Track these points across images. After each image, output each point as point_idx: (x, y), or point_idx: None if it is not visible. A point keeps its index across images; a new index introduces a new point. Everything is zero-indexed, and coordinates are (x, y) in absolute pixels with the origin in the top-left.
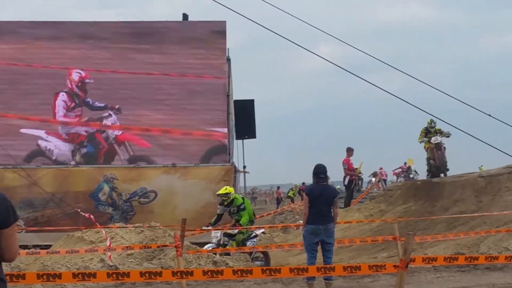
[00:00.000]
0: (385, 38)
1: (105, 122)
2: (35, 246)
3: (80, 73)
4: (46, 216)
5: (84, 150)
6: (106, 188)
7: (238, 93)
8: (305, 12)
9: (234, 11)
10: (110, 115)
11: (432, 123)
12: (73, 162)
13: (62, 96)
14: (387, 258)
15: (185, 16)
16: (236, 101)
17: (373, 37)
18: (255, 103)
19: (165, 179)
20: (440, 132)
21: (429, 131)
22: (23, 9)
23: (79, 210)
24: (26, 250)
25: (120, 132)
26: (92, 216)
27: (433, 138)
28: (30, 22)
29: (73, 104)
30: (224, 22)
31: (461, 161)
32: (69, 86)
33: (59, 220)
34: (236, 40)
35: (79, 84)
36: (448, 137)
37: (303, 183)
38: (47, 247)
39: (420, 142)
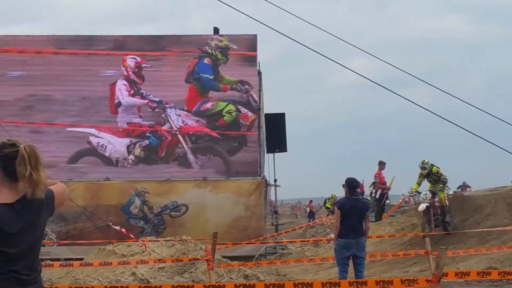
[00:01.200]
0: (420, 52)
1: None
2: (67, 259)
3: (135, 58)
4: (77, 229)
5: (145, 142)
6: (138, 201)
7: (270, 107)
8: (341, 26)
9: (267, 25)
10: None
11: (424, 168)
12: (131, 157)
13: (121, 84)
14: (419, 272)
15: (216, 30)
16: (267, 115)
17: (408, 51)
18: (286, 117)
19: (196, 193)
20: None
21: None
22: (64, 23)
23: (110, 223)
24: (60, 262)
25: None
26: (123, 230)
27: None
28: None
29: (132, 91)
30: (255, 36)
31: (494, 174)
32: (125, 73)
33: (90, 234)
34: (268, 53)
35: (136, 70)
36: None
37: (311, 201)
38: (79, 260)
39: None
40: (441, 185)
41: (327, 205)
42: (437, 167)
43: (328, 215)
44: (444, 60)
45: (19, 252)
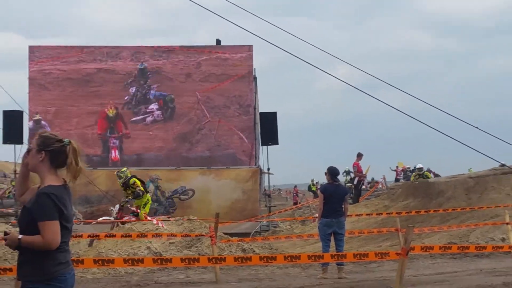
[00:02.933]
0: (393, 60)
1: None
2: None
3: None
4: (100, 210)
5: None
6: (152, 187)
7: (264, 106)
8: (329, 37)
9: (263, 38)
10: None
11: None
12: None
13: None
14: (390, 246)
15: (218, 41)
16: (261, 113)
17: (385, 59)
18: (278, 115)
19: (201, 179)
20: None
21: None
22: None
23: (128, 205)
24: (88, 233)
25: None
26: (139, 210)
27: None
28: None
29: None
30: (251, 46)
31: (454, 164)
32: None
33: (111, 214)
34: (264, 60)
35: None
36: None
37: (295, 186)
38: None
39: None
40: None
41: (313, 189)
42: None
43: (314, 198)
44: (415, 68)
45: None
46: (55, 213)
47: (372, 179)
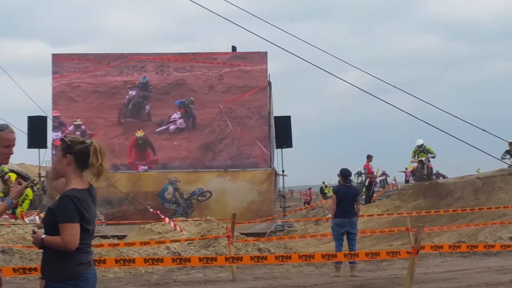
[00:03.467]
0: (402, 65)
1: None
2: (113, 236)
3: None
4: (121, 211)
5: None
6: (171, 188)
7: (278, 110)
8: (339, 44)
9: (276, 45)
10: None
11: (422, 146)
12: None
13: None
14: (401, 245)
15: (233, 48)
16: (276, 117)
17: (393, 63)
18: (292, 119)
19: (218, 181)
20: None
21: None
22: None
23: (148, 207)
24: (108, 242)
25: None
26: (158, 212)
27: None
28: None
29: None
30: (266, 52)
31: (462, 166)
32: None
33: (132, 215)
34: (278, 66)
35: None
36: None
37: (310, 188)
38: (123, 237)
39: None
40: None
41: (325, 191)
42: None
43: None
44: (422, 72)
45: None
46: (75, 216)
47: (381, 180)
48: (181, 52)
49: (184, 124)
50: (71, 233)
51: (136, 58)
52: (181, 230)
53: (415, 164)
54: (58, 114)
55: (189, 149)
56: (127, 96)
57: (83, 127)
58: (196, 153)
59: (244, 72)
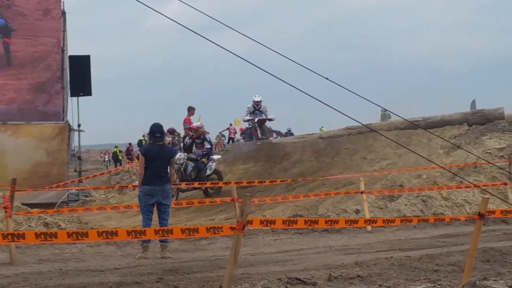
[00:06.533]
0: None
1: None
2: None
3: None
4: None
5: None
6: None
7: (75, 49)
8: None
9: None
10: None
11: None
12: None
13: None
14: (225, 220)
15: None
16: (71, 57)
17: None
18: (92, 60)
19: None
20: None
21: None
22: None
23: None
24: None
25: None
26: None
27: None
28: None
29: None
30: None
31: (303, 122)
32: None
33: None
34: None
35: None
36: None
37: (130, 144)
38: None
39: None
40: None
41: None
42: None
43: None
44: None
45: None
46: None
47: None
48: None
49: None
50: None
51: None
52: None
53: (247, 125)
54: None
55: None
56: None
57: None
58: None
59: None
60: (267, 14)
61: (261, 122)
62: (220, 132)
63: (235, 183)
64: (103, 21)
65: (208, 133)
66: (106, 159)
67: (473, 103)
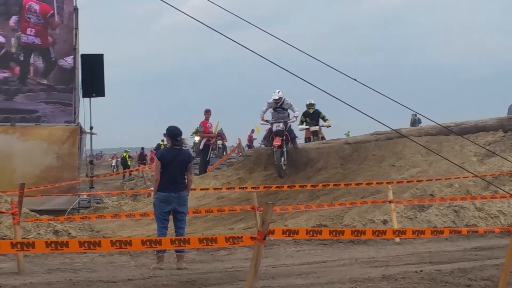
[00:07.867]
0: None
1: None
2: None
3: None
4: None
5: None
6: None
7: (88, 47)
8: None
9: None
10: None
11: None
12: None
13: None
14: (244, 229)
15: None
16: (83, 55)
17: None
18: (106, 59)
19: (2, 140)
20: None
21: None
22: None
23: None
24: None
25: None
26: None
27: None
28: None
29: None
30: None
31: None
32: None
33: None
34: None
35: None
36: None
37: (142, 148)
38: None
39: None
40: None
41: (128, 162)
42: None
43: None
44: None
45: None
46: None
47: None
48: None
49: None
50: None
51: None
52: None
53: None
54: None
55: None
56: None
57: None
58: None
59: None
60: (286, 14)
61: (314, 134)
62: (239, 139)
63: (252, 188)
64: (116, 19)
65: (227, 141)
66: (113, 163)
67: (511, 107)
